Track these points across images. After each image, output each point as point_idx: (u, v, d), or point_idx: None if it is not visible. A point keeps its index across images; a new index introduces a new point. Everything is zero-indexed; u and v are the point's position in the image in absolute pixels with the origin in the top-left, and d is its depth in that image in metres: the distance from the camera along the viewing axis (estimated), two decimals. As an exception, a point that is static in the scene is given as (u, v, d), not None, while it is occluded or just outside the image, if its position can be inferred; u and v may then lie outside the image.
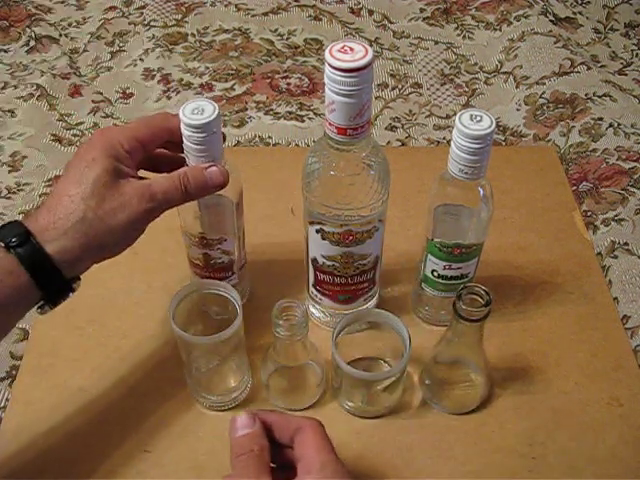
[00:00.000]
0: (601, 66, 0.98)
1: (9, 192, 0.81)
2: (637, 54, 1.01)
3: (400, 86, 0.96)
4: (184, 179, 0.52)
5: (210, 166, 0.54)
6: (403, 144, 0.88)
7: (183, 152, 0.55)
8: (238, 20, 1.06)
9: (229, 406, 0.61)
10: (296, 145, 0.87)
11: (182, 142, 0.54)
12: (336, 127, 0.50)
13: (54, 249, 0.47)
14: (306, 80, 0.97)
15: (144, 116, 0.56)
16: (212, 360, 0.60)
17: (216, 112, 0.52)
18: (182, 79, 0.97)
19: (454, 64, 1.00)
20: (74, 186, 0.49)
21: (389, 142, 0.88)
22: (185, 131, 0.53)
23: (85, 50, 1.02)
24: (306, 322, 0.54)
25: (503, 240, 0.74)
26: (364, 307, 0.65)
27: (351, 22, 1.06)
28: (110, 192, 0.49)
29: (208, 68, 0.98)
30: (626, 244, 0.75)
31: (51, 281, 0.48)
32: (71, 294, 0.51)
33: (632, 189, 0.81)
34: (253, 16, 1.07)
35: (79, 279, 0.51)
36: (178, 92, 0.95)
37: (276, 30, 1.05)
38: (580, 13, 1.07)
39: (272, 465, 0.46)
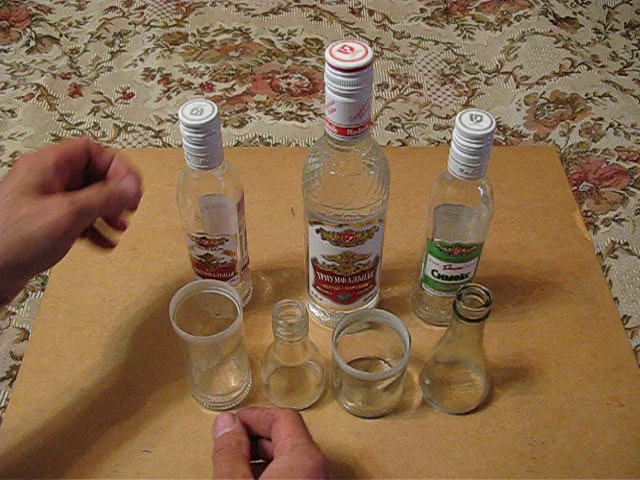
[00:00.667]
0: (601, 66, 0.98)
1: (9, 192, 0.81)
2: (637, 54, 1.01)
3: (400, 86, 0.96)
4: (103, 185, 0.52)
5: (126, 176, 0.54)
6: (403, 144, 0.88)
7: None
8: (238, 20, 1.06)
9: (229, 406, 0.61)
10: (296, 145, 0.87)
11: (96, 167, 0.54)
12: (336, 127, 0.50)
13: None
14: (306, 80, 0.97)
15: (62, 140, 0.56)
16: (212, 360, 0.60)
17: (215, 112, 0.52)
18: (182, 79, 0.97)
19: (454, 64, 1.00)
20: None
21: (389, 142, 0.88)
22: (184, 132, 0.53)
23: (85, 50, 1.02)
24: (306, 322, 0.54)
25: (503, 240, 0.74)
26: (364, 307, 0.65)
27: (351, 22, 1.06)
28: (28, 200, 0.47)
29: (208, 68, 0.98)
30: (626, 244, 0.75)
31: None
32: None
33: (632, 189, 0.81)
34: (253, 16, 1.07)
35: (6, 302, 0.50)
36: (178, 92, 0.95)
37: (276, 30, 1.05)
38: (580, 13, 1.07)
39: (260, 461, 0.49)
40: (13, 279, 0.48)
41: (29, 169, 0.49)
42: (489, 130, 0.51)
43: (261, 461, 0.50)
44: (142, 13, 1.08)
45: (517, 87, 0.95)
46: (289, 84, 0.96)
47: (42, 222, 0.46)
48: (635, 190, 0.81)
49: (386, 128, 0.90)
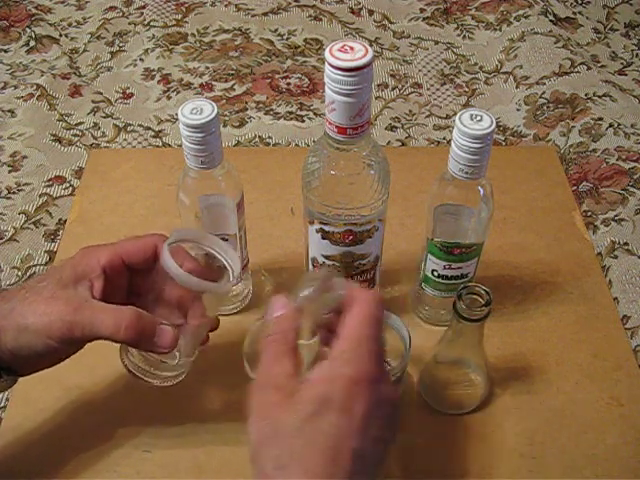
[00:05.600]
0: (601, 66, 0.98)
1: (9, 192, 0.81)
2: (637, 54, 1.01)
3: (400, 86, 0.96)
4: (131, 321, 0.48)
5: (165, 324, 0.50)
6: (403, 144, 0.88)
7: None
8: (238, 20, 1.06)
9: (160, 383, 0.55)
10: (296, 145, 0.87)
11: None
12: (336, 126, 0.50)
13: None
14: (306, 80, 0.97)
15: (135, 236, 0.53)
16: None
17: (215, 112, 0.53)
18: (182, 79, 0.97)
19: (454, 64, 1.00)
20: (32, 281, 0.50)
21: (389, 142, 0.88)
22: (184, 131, 0.53)
23: (85, 50, 1.02)
24: None
25: (503, 240, 0.74)
26: (364, 307, 0.65)
27: (351, 22, 1.06)
28: (48, 293, 0.48)
29: (208, 68, 0.98)
30: (626, 244, 0.75)
31: None
32: None
33: (632, 189, 0.81)
34: (253, 16, 1.07)
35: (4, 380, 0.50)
36: (178, 92, 0.95)
37: (276, 30, 1.05)
38: (580, 13, 1.07)
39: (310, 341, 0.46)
40: (20, 362, 0.49)
41: (74, 265, 0.50)
42: (489, 130, 0.51)
43: None
44: (142, 13, 1.07)
45: (517, 87, 0.95)
46: (289, 84, 0.96)
47: (38, 319, 0.47)
48: (635, 190, 0.81)
49: (386, 128, 0.90)
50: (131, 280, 0.53)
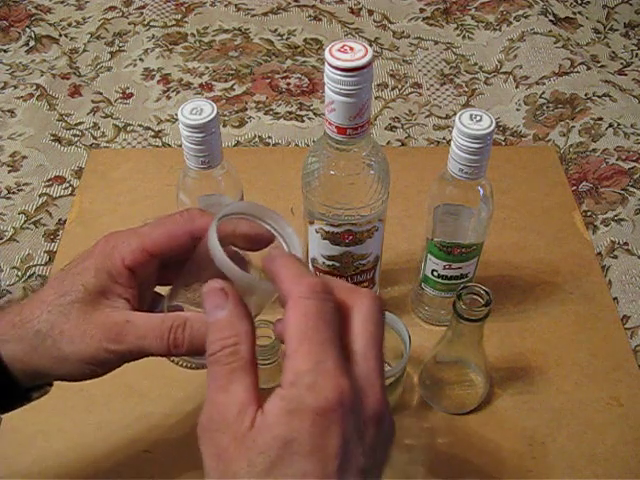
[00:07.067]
0: (601, 66, 0.98)
1: (9, 192, 0.81)
2: (637, 54, 1.01)
3: (400, 86, 0.96)
4: (177, 330, 0.41)
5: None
6: (403, 144, 0.88)
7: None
8: (238, 20, 1.06)
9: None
10: (296, 145, 0.87)
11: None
12: (336, 127, 0.50)
13: (7, 351, 0.43)
14: (306, 80, 0.97)
15: (162, 218, 0.45)
16: None
17: (215, 112, 0.53)
18: (182, 79, 0.97)
19: (454, 64, 1.00)
20: (51, 294, 0.43)
21: (389, 142, 0.88)
22: (184, 131, 0.53)
23: (85, 50, 1.02)
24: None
25: (503, 240, 0.74)
26: (364, 307, 0.65)
27: (351, 22, 1.06)
28: (78, 315, 0.42)
29: (208, 68, 0.98)
30: (626, 244, 0.75)
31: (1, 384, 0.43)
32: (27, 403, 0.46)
33: (632, 189, 0.81)
34: (253, 16, 1.07)
35: (45, 391, 0.48)
36: (178, 92, 0.95)
37: (276, 30, 1.05)
38: (580, 13, 1.07)
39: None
40: (42, 378, 0.46)
41: (97, 271, 0.43)
42: (489, 130, 0.51)
43: None
44: (142, 13, 1.07)
45: (517, 87, 0.95)
46: (289, 84, 0.96)
47: (76, 348, 0.42)
48: (635, 190, 0.81)
49: (386, 128, 0.90)
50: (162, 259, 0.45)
